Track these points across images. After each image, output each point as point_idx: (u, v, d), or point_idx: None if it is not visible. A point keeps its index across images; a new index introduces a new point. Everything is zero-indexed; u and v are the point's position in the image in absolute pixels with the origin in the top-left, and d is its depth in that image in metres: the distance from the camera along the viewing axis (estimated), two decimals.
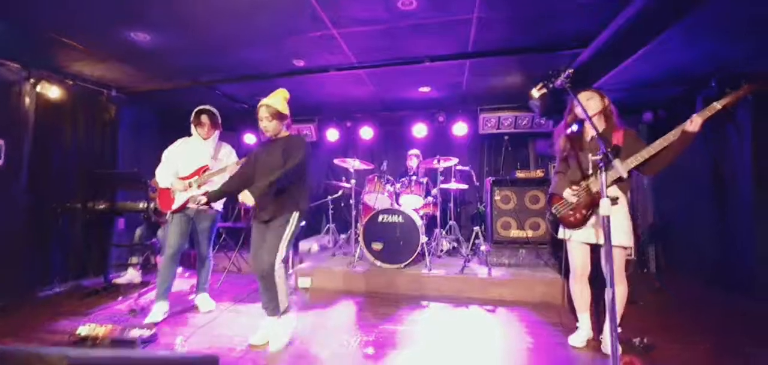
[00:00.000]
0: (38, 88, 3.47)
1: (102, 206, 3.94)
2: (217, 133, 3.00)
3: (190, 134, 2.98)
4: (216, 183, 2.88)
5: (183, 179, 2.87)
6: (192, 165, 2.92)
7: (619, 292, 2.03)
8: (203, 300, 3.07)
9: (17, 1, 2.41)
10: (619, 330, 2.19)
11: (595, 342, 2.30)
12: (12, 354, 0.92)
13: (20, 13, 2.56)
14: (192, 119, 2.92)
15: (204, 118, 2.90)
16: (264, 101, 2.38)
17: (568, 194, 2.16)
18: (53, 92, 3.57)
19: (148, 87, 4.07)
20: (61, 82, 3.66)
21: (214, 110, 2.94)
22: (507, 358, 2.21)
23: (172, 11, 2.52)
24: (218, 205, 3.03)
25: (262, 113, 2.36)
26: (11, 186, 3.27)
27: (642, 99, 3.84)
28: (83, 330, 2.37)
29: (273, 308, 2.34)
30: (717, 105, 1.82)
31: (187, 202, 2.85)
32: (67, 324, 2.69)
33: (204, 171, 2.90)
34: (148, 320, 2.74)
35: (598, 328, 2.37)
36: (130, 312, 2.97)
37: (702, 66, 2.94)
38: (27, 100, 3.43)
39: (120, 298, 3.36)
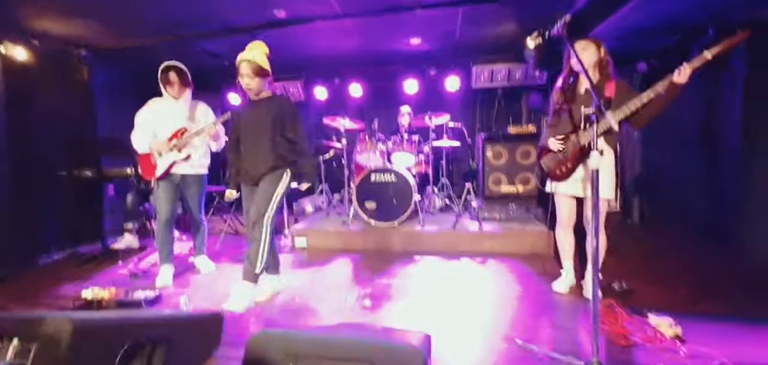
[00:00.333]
0: (2, 50, 3.23)
1: (89, 174, 3.86)
2: (188, 91, 2.82)
3: (161, 95, 2.79)
4: (196, 146, 2.80)
5: (168, 141, 2.75)
6: (169, 128, 2.76)
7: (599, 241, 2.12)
8: (202, 262, 3.12)
9: None
10: (601, 277, 2.33)
11: (577, 288, 2.45)
12: (16, 321, 0.94)
13: None
14: (159, 77, 2.71)
15: (172, 75, 2.69)
16: (243, 55, 2.26)
17: (553, 143, 2.20)
18: (19, 53, 3.33)
19: (120, 44, 3.82)
20: (28, 44, 3.40)
21: (182, 66, 2.73)
22: (495, 304, 2.35)
23: None
24: (205, 168, 2.97)
25: (244, 69, 2.26)
26: None
27: (637, 48, 3.78)
28: (88, 294, 2.41)
29: (248, 266, 2.31)
30: (707, 55, 1.79)
31: (170, 167, 2.76)
32: (70, 289, 2.74)
33: (182, 133, 2.75)
34: (158, 283, 2.76)
35: (580, 275, 2.51)
36: (131, 275, 3.02)
37: (696, 14, 2.88)
38: None
39: (120, 263, 3.40)
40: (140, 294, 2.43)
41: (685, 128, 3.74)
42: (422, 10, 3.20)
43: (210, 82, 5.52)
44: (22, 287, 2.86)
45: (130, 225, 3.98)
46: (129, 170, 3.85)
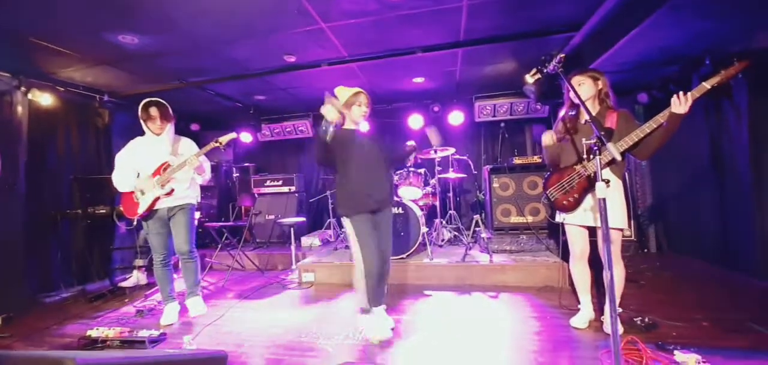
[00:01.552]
0: (30, 97, 3.44)
1: (103, 211, 3.94)
2: (170, 126, 2.78)
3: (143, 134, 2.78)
4: (180, 179, 2.74)
5: (151, 178, 2.72)
6: (152, 165, 2.73)
7: (616, 273, 2.06)
8: (194, 304, 2.94)
9: (2, 10, 2.38)
10: (621, 310, 2.24)
11: (596, 323, 2.35)
12: (21, 360, 0.93)
13: (7, 22, 2.52)
14: (140, 113, 2.69)
15: (152, 110, 2.67)
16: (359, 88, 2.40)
17: (547, 136, 2.22)
18: (45, 99, 3.54)
19: (140, 90, 4.03)
20: (53, 90, 3.62)
21: (163, 102, 2.72)
22: (510, 342, 2.25)
23: (156, 11, 2.49)
24: (192, 197, 2.89)
25: (365, 99, 2.40)
26: (9, 196, 3.26)
27: (637, 80, 3.86)
28: (93, 333, 2.41)
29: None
30: (706, 85, 1.81)
31: (153, 203, 2.71)
32: (76, 328, 2.72)
33: (165, 168, 2.71)
34: (163, 322, 2.74)
35: (599, 308, 2.41)
36: (137, 313, 3.00)
37: (694, 45, 2.96)
38: (19, 109, 3.40)
39: (127, 301, 3.39)
40: (144, 333, 2.40)
41: (693, 157, 3.73)
42: (423, 53, 3.34)
43: (222, 121, 5.75)
44: (29, 325, 2.85)
45: (139, 262, 3.99)
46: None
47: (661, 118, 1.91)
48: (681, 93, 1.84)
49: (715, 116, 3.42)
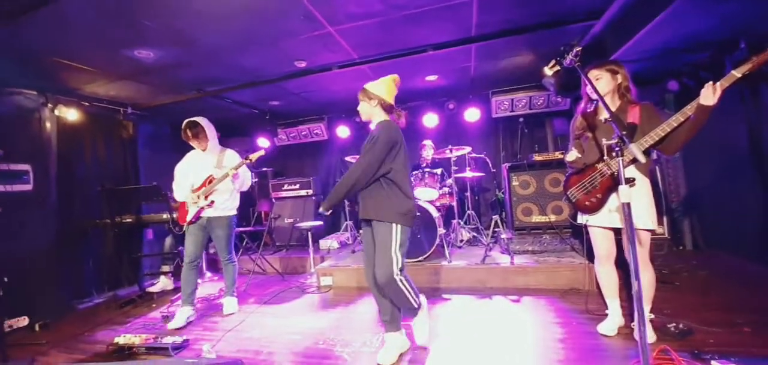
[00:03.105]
0: (57, 112, 3.62)
1: (129, 220, 4.10)
2: (213, 141, 3.05)
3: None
4: (221, 190, 3.01)
5: (193, 191, 3.01)
6: (200, 177, 3.04)
7: (645, 279, 1.93)
8: (227, 303, 3.20)
9: (27, 33, 2.49)
10: (652, 316, 2.11)
11: (626, 329, 2.22)
12: None
13: (30, 43, 2.64)
14: (182, 135, 3.00)
15: (188, 131, 2.97)
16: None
17: (571, 154, 2.13)
18: (71, 114, 3.72)
19: (161, 101, 4.16)
20: (78, 105, 3.79)
21: (196, 120, 2.93)
22: (533, 350, 2.16)
23: (166, 25, 2.55)
24: (231, 208, 3.13)
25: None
26: (42, 208, 3.44)
27: (664, 68, 3.62)
28: (120, 340, 2.53)
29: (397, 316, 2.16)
30: (736, 74, 1.65)
31: (199, 213, 2.99)
32: (106, 334, 2.85)
33: (209, 182, 3.00)
34: (170, 325, 2.89)
35: (629, 313, 2.28)
36: (163, 318, 3.11)
37: (723, 29, 2.74)
38: (48, 124, 3.58)
39: (154, 306, 3.51)
40: (168, 340, 2.47)
41: (729, 146, 3.48)
42: (434, 50, 3.27)
43: (240, 128, 5.87)
44: (63, 332, 3.00)
45: (166, 268, 4.14)
46: (165, 216, 4.06)
47: (688, 110, 1.77)
48: (711, 83, 1.69)
49: (753, 102, 3.17)
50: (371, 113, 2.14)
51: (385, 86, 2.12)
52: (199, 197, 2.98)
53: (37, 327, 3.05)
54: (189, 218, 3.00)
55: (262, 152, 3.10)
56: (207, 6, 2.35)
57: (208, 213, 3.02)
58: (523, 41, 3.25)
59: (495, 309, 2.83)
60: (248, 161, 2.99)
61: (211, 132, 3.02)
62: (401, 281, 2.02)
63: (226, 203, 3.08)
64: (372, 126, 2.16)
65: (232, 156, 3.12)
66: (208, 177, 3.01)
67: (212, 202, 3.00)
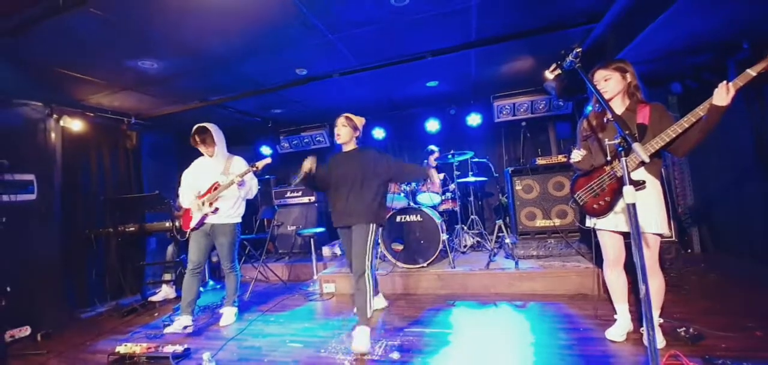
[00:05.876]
0: (62, 123, 3.65)
1: (132, 229, 4.11)
2: (221, 148, 3.02)
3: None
4: (226, 197, 2.99)
5: (198, 198, 3.00)
6: (206, 184, 3.03)
7: (654, 285, 1.89)
8: (226, 313, 3.15)
9: (32, 45, 2.53)
10: (662, 320, 2.06)
11: (636, 335, 2.17)
12: None
13: (36, 55, 2.68)
14: (190, 141, 3.00)
15: (196, 137, 2.97)
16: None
17: (575, 154, 2.11)
18: (76, 125, 3.75)
19: (165, 111, 4.20)
20: (83, 116, 3.83)
21: (204, 126, 2.95)
22: (540, 357, 2.11)
23: (169, 36, 2.58)
24: (236, 216, 3.11)
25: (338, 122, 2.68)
26: (46, 218, 3.45)
27: (667, 70, 3.60)
28: (122, 349, 2.51)
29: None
30: (751, 72, 1.62)
31: (203, 219, 2.97)
32: (108, 344, 2.82)
33: (214, 189, 2.99)
34: (166, 330, 2.88)
35: (638, 318, 2.22)
36: (164, 327, 3.08)
37: (725, 30, 2.71)
38: (53, 135, 3.61)
39: (156, 315, 3.49)
40: (169, 349, 2.45)
41: (736, 148, 3.43)
42: (433, 56, 3.27)
43: (243, 136, 5.89)
44: (65, 342, 2.98)
45: (168, 276, 4.13)
46: (167, 224, 4.07)
47: (700, 111, 1.72)
48: (725, 82, 1.66)
49: (758, 103, 3.13)
50: (351, 138, 2.66)
51: (358, 122, 2.70)
52: (203, 204, 2.97)
53: (39, 337, 3.03)
54: (193, 224, 2.99)
55: (268, 161, 3.03)
56: (210, 16, 2.37)
57: (212, 220, 3.01)
58: (524, 46, 3.25)
59: (500, 315, 2.79)
60: (254, 169, 2.95)
61: (219, 137, 3.01)
62: (368, 278, 2.45)
63: (230, 211, 3.06)
64: (346, 148, 2.69)
65: (239, 163, 3.10)
66: (214, 184, 3.00)
67: (216, 209, 2.99)
